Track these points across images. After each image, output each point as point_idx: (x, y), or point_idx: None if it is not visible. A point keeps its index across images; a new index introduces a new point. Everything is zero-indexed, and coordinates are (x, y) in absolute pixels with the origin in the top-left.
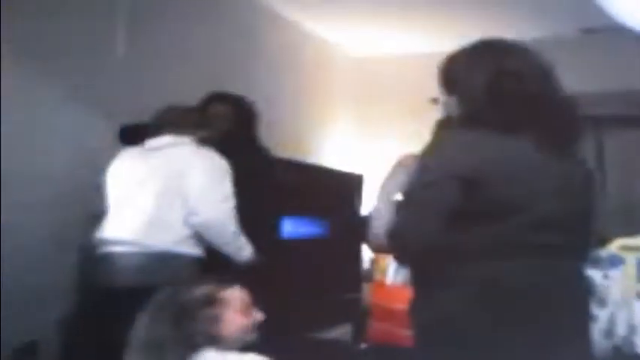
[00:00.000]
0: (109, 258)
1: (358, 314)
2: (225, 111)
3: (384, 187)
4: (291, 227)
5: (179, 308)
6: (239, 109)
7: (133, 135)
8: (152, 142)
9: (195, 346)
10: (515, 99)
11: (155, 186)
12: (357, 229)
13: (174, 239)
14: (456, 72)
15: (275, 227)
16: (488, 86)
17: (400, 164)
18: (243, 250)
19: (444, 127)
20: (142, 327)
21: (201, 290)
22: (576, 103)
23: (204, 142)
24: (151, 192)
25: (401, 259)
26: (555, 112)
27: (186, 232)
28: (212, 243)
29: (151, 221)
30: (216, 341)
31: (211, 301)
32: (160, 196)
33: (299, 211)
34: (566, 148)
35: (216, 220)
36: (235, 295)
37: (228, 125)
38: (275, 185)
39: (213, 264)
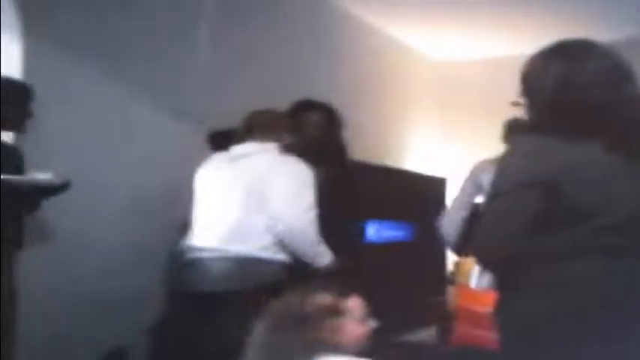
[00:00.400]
0: (196, 264)
1: (443, 317)
2: (316, 118)
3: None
4: (375, 231)
5: (303, 316)
6: (328, 116)
7: (222, 141)
8: (237, 149)
9: (315, 353)
10: (579, 108)
11: (239, 193)
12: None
13: (258, 245)
14: (529, 76)
15: (360, 232)
16: (554, 94)
17: (473, 172)
18: (322, 256)
19: (512, 128)
20: (262, 331)
21: (325, 300)
22: None
23: (291, 148)
24: (235, 199)
25: (485, 265)
26: (625, 118)
27: (269, 238)
28: (292, 250)
29: (235, 228)
30: (335, 349)
31: (334, 311)
32: (243, 204)
33: (384, 215)
34: (638, 152)
35: (298, 230)
36: (355, 306)
37: (318, 132)
38: (360, 190)
39: (299, 269)
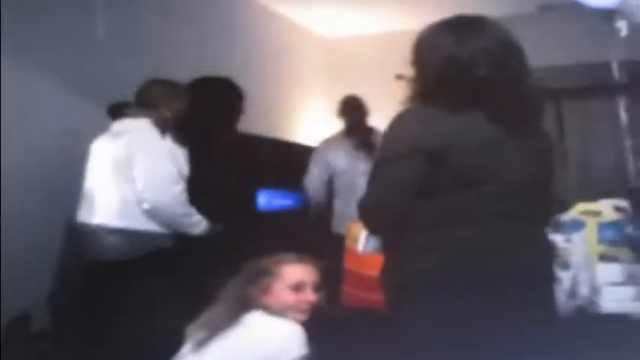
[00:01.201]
0: (88, 237)
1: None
2: (202, 91)
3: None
4: (267, 200)
5: (246, 274)
6: (218, 88)
7: (120, 112)
8: (115, 126)
9: (250, 308)
10: (463, 83)
11: (113, 173)
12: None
13: (137, 221)
14: (419, 48)
15: (252, 200)
16: (439, 70)
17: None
18: (196, 226)
19: (345, 105)
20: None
21: (265, 262)
22: (534, 80)
23: (167, 121)
24: (110, 178)
25: (371, 230)
26: (506, 96)
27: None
28: (164, 224)
29: (114, 205)
30: (265, 308)
31: (266, 273)
32: (117, 183)
33: (274, 184)
34: (524, 123)
35: (163, 206)
36: (290, 272)
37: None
38: (253, 161)
39: (183, 236)
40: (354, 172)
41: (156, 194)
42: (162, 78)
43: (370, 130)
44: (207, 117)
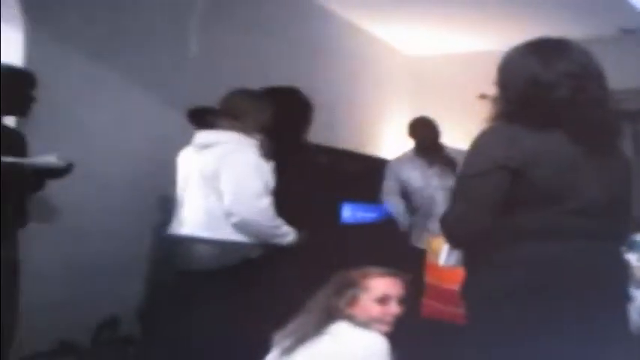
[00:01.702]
0: (179, 246)
1: (412, 292)
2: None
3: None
4: (351, 212)
5: (333, 285)
6: (292, 100)
7: (200, 117)
8: (201, 138)
9: (336, 318)
10: (545, 104)
11: (201, 185)
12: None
13: (227, 231)
14: (504, 69)
15: (337, 213)
16: (523, 89)
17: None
18: (284, 237)
19: (414, 127)
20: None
21: (353, 274)
22: (613, 102)
23: (257, 132)
24: (199, 190)
25: (454, 244)
26: (586, 118)
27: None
28: (251, 236)
29: (204, 216)
30: (351, 319)
31: (353, 284)
32: (205, 195)
33: (359, 197)
34: (602, 144)
35: (251, 220)
36: (377, 285)
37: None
38: (338, 174)
39: (271, 246)
40: (429, 187)
41: (243, 209)
42: (247, 89)
43: (441, 147)
44: (283, 128)
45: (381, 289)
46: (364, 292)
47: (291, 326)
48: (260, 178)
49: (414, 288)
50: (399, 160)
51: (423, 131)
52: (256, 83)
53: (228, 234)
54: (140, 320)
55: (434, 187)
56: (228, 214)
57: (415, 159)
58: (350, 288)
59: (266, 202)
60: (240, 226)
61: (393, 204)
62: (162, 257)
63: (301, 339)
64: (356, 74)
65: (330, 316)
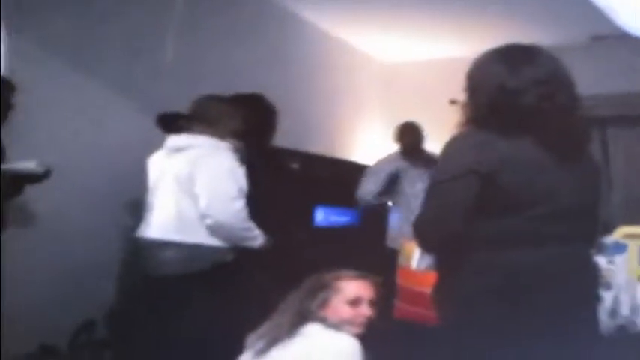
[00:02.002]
0: (148, 250)
1: (385, 296)
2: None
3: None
4: (324, 216)
5: (305, 288)
6: (258, 106)
7: (169, 122)
8: (173, 141)
9: (308, 320)
10: (513, 111)
11: (174, 188)
12: (384, 218)
13: (199, 235)
14: (473, 75)
15: (309, 216)
16: (490, 97)
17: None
18: (254, 240)
19: (401, 132)
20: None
21: (325, 277)
22: (581, 109)
23: (231, 134)
24: (171, 194)
25: (426, 248)
26: (555, 125)
27: (205, 230)
28: (225, 239)
29: (176, 220)
30: (323, 321)
31: (325, 287)
32: (178, 199)
33: (332, 201)
34: (571, 149)
35: (225, 222)
36: (348, 287)
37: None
38: (311, 179)
39: (243, 250)
40: (410, 190)
41: (219, 211)
42: (218, 94)
43: (425, 152)
44: (251, 133)
45: (352, 291)
46: (335, 294)
47: (264, 328)
48: (235, 181)
49: (388, 289)
50: (383, 160)
51: (408, 135)
52: (231, 90)
53: (199, 237)
54: (111, 324)
55: (415, 191)
56: (203, 217)
57: (399, 161)
58: (321, 290)
59: (240, 205)
60: (213, 229)
61: (372, 201)
62: (132, 260)
63: (273, 340)
64: (329, 80)
65: (302, 318)
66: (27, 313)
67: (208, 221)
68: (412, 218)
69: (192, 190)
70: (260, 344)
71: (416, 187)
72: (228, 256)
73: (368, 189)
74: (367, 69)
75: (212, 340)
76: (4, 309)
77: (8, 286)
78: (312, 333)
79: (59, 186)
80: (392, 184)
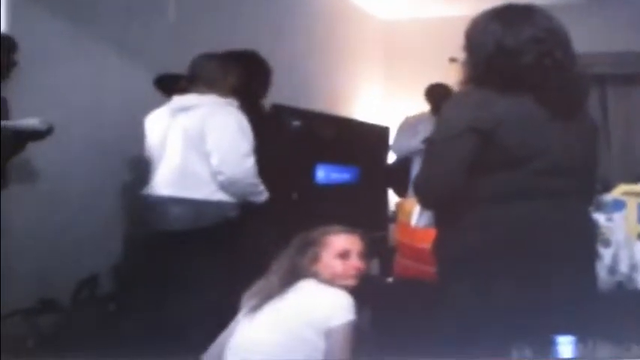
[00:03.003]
0: (156, 206)
1: (385, 250)
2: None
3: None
4: (325, 174)
5: (295, 246)
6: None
7: (168, 84)
8: (177, 102)
9: (300, 277)
10: (511, 69)
11: (182, 146)
12: (384, 175)
13: (206, 192)
14: (470, 35)
15: (310, 174)
16: (488, 56)
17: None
18: (261, 195)
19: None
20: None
21: (312, 233)
22: (579, 66)
23: (232, 91)
24: (179, 152)
25: (425, 205)
26: (553, 82)
27: (214, 186)
28: (234, 194)
29: (183, 177)
30: (315, 276)
31: (314, 243)
32: (187, 156)
33: (333, 159)
34: (569, 106)
35: (238, 179)
36: (336, 241)
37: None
38: (312, 136)
39: (249, 206)
40: None
41: (232, 167)
42: (215, 53)
43: None
44: (248, 90)
45: (340, 244)
46: (324, 249)
47: (258, 285)
48: (245, 137)
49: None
50: (414, 117)
51: (439, 94)
52: (229, 48)
53: (205, 194)
54: (115, 279)
55: None
56: (217, 173)
57: (430, 120)
58: (310, 246)
59: (252, 162)
60: (227, 184)
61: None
62: (139, 217)
63: (267, 297)
64: (330, 39)
65: (294, 275)
66: (28, 269)
67: (221, 177)
68: None
69: (203, 147)
70: (254, 301)
71: None
72: (233, 213)
73: (402, 142)
74: (368, 27)
75: (215, 295)
76: (4, 264)
77: (9, 242)
78: (304, 287)
79: (61, 143)
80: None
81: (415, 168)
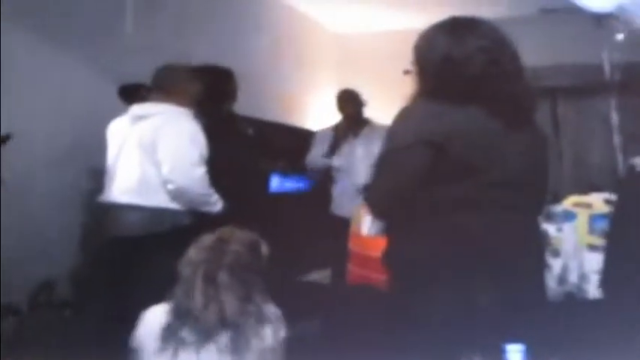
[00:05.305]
0: (112, 212)
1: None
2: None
3: None
4: (278, 182)
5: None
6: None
7: (130, 93)
8: (136, 110)
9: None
10: (460, 80)
11: (137, 154)
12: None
13: (160, 199)
14: (419, 48)
15: (265, 183)
16: (438, 67)
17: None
18: (214, 205)
19: (341, 99)
20: (200, 269)
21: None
22: (528, 78)
23: (191, 101)
24: (135, 159)
25: (376, 215)
26: (502, 92)
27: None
28: (185, 203)
29: (138, 184)
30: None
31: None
32: (141, 164)
33: (286, 168)
34: (518, 117)
35: (187, 188)
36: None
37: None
38: (267, 145)
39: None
40: (352, 157)
41: (181, 176)
42: (177, 63)
43: (365, 121)
44: (210, 100)
45: None
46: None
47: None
48: (196, 147)
49: (337, 255)
50: (325, 130)
51: (347, 102)
52: (186, 58)
53: (160, 201)
54: (72, 284)
55: (358, 158)
56: (165, 182)
57: (340, 128)
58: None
59: (201, 171)
60: (175, 194)
61: (318, 163)
62: (97, 223)
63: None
64: (285, 50)
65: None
66: None
67: (170, 186)
68: (353, 186)
69: (155, 156)
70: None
71: (356, 154)
72: (187, 220)
73: (313, 158)
74: (322, 39)
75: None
76: None
77: None
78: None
79: (21, 149)
80: (333, 151)
81: (337, 186)
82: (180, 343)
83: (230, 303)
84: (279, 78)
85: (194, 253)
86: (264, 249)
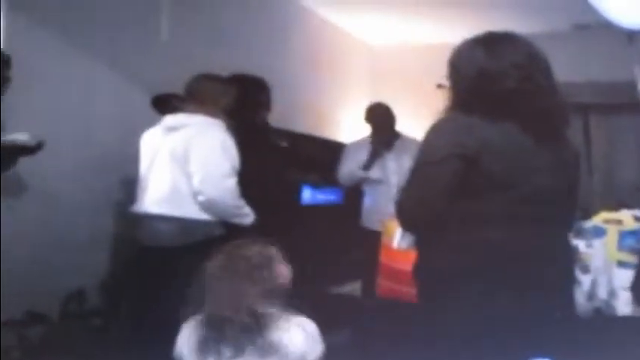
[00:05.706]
0: (145, 223)
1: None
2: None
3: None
4: (311, 194)
5: (260, 265)
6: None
7: (163, 104)
8: (169, 121)
9: (274, 300)
10: (494, 95)
11: (169, 165)
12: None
13: (191, 210)
14: (454, 62)
15: (297, 194)
16: (473, 81)
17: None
18: (244, 217)
19: (370, 112)
20: (215, 280)
21: (268, 249)
22: (561, 93)
23: (224, 112)
24: (167, 170)
25: (407, 228)
26: (534, 106)
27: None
28: (216, 215)
29: (170, 195)
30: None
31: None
32: (173, 175)
33: (319, 180)
34: (550, 132)
35: (217, 199)
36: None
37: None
38: (300, 158)
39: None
40: (384, 171)
41: (212, 188)
42: (210, 73)
43: (396, 134)
44: (244, 111)
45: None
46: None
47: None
48: (227, 158)
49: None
50: (357, 143)
51: (377, 116)
52: (219, 68)
53: (191, 212)
54: (103, 293)
55: (390, 171)
56: (196, 193)
57: (371, 142)
58: (276, 262)
59: (232, 183)
60: (206, 205)
61: (355, 176)
62: (128, 233)
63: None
64: (319, 63)
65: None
66: (18, 281)
67: (201, 198)
68: (384, 199)
69: (187, 167)
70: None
71: (388, 167)
72: (218, 231)
73: (344, 172)
74: (357, 52)
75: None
76: None
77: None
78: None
79: (52, 159)
80: (371, 164)
81: (368, 198)
82: (217, 355)
83: (255, 298)
84: (312, 90)
85: (210, 262)
86: (282, 267)
